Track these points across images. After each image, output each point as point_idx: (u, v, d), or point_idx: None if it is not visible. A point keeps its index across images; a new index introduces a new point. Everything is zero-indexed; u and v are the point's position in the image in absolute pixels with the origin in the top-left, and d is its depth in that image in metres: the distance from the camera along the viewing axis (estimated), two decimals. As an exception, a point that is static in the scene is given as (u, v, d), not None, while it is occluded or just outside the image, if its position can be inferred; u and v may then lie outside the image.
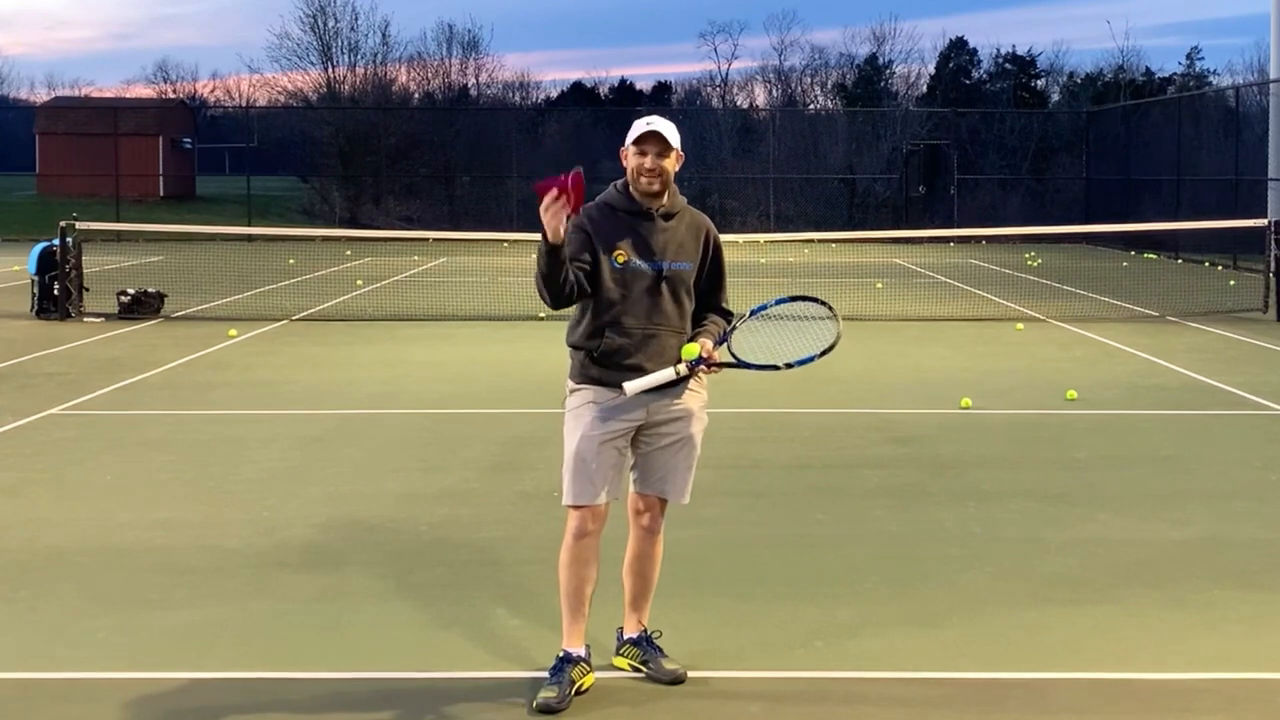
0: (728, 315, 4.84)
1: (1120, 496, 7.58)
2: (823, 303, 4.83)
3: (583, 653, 4.73)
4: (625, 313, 4.63)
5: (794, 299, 4.85)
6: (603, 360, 4.64)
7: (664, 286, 4.64)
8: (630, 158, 4.65)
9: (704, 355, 4.60)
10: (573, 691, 4.62)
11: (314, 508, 7.28)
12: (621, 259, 4.62)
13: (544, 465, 8.25)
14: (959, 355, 13.43)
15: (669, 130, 4.61)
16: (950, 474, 8.13)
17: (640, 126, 4.62)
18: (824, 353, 4.75)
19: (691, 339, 4.72)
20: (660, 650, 4.87)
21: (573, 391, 4.74)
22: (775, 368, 4.75)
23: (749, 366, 4.74)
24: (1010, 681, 4.85)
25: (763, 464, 8.37)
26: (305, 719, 4.56)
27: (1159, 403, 10.73)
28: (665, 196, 4.68)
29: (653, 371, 4.61)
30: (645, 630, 4.91)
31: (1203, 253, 27.26)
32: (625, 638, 4.92)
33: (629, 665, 4.87)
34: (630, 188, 4.69)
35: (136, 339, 14.50)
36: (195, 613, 5.55)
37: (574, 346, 4.74)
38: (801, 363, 4.73)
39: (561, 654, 4.71)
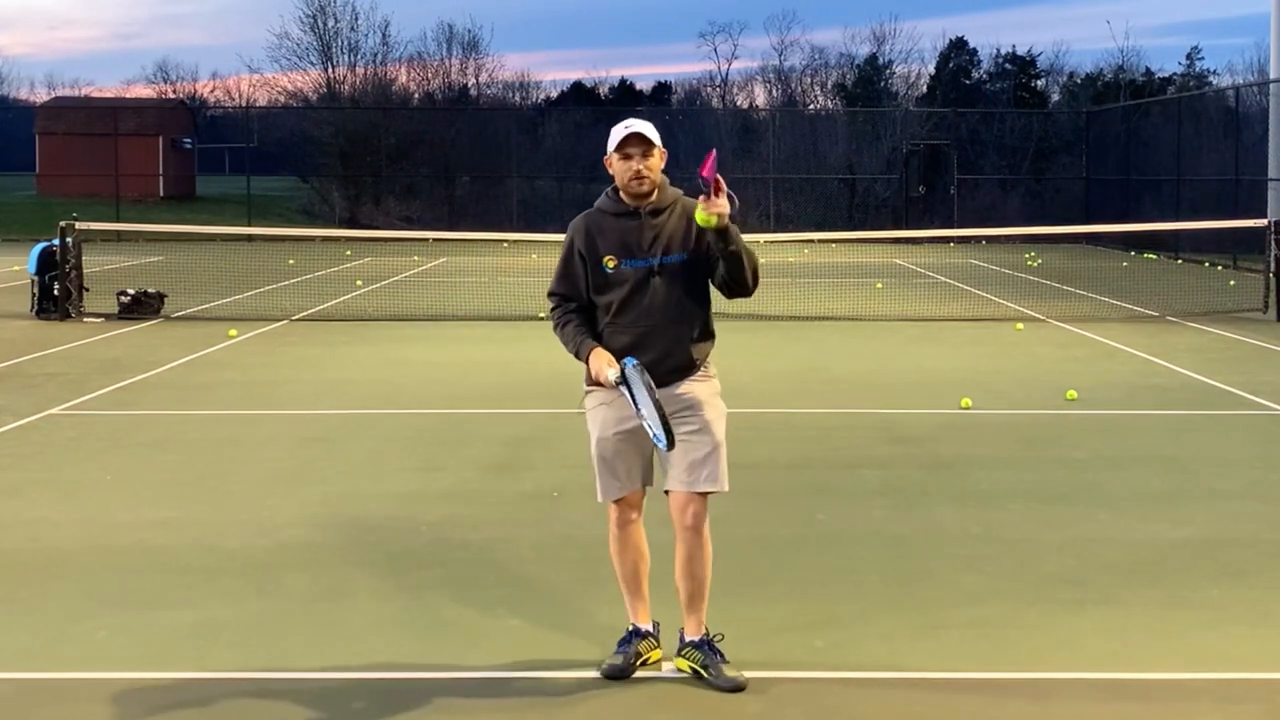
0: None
1: (1120, 496, 7.58)
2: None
3: (649, 628, 4.92)
4: (622, 313, 4.75)
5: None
6: None
7: (656, 282, 4.71)
8: (615, 164, 4.73)
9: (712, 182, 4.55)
10: (638, 662, 4.83)
11: (314, 508, 7.28)
12: (611, 264, 4.73)
13: (544, 465, 8.25)
14: (959, 355, 13.42)
15: (649, 130, 4.68)
16: (950, 474, 8.13)
17: (620, 131, 4.70)
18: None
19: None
20: (722, 655, 4.83)
21: (587, 394, 4.89)
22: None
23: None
24: (1010, 681, 4.85)
25: (763, 464, 8.36)
26: (305, 719, 4.57)
27: (1159, 403, 10.73)
28: (654, 194, 4.75)
29: (653, 369, 4.64)
30: (707, 633, 4.88)
31: (1203, 253, 27.23)
32: (687, 640, 4.90)
33: (690, 668, 4.85)
34: (620, 192, 4.77)
35: (136, 339, 14.50)
36: (195, 613, 5.55)
37: None
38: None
39: (631, 628, 4.90)
